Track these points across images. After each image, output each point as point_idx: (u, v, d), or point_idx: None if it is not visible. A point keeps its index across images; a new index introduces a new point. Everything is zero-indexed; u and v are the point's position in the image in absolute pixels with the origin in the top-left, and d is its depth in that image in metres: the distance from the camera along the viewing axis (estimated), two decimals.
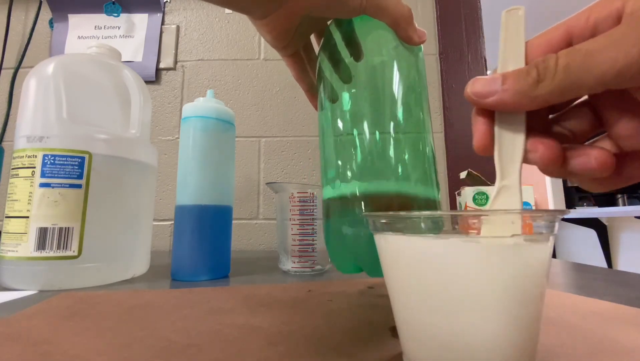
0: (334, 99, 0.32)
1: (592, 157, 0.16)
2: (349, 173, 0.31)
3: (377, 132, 0.30)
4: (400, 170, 0.29)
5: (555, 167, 0.17)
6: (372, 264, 0.30)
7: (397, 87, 0.31)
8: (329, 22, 0.34)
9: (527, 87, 0.15)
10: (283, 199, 0.48)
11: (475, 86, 0.17)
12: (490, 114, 0.18)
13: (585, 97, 0.19)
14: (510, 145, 0.17)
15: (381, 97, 0.31)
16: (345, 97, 0.32)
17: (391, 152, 0.30)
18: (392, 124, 0.30)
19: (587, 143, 0.19)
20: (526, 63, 0.17)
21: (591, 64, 0.14)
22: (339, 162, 0.31)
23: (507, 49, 0.18)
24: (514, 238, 0.15)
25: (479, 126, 0.18)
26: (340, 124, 0.32)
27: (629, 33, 0.14)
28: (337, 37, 0.33)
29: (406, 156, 0.30)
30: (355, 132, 0.31)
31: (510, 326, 0.14)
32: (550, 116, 0.19)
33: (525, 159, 0.17)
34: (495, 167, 0.17)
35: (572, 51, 0.15)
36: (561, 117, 0.19)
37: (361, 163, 0.30)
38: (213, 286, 0.38)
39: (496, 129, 0.17)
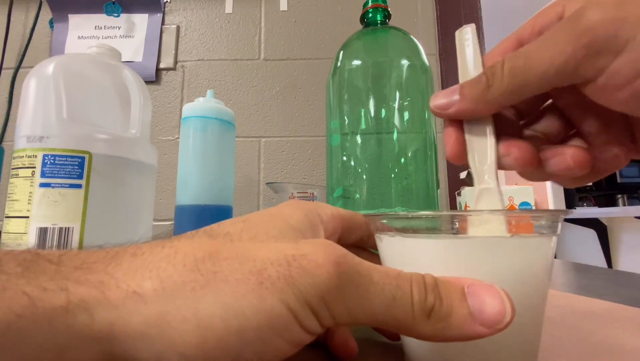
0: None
1: (568, 156, 0.17)
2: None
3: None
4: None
5: (531, 168, 0.17)
6: None
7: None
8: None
9: (480, 92, 0.16)
10: (283, 199, 0.48)
11: (437, 99, 0.18)
12: (459, 124, 0.18)
13: (550, 101, 0.20)
14: (482, 150, 0.18)
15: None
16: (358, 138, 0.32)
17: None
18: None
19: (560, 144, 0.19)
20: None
21: (532, 65, 0.15)
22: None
23: (464, 64, 0.19)
24: (515, 238, 0.15)
25: (450, 136, 0.19)
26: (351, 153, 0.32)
27: (562, 31, 0.14)
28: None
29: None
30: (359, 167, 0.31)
31: (512, 325, 0.14)
32: (522, 122, 0.20)
33: (501, 165, 0.18)
34: (472, 173, 0.18)
35: (515, 54, 0.16)
36: (532, 122, 0.20)
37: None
38: None
39: (467, 137, 0.18)
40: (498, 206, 0.17)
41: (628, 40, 0.13)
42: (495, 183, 0.17)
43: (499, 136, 0.18)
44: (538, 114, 0.20)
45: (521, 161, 0.17)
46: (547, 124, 0.19)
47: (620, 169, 0.18)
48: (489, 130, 0.18)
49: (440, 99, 0.18)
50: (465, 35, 0.20)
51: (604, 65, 0.14)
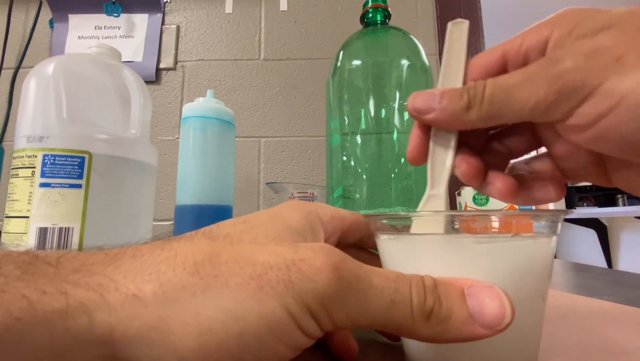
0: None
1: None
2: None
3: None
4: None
5: (472, 183, 0.19)
6: None
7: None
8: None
9: (459, 111, 0.17)
10: (283, 199, 0.48)
11: (416, 102, 0.18)
12: (428, 128, 0.19)
13: None
14: (441, 159, 0.19)
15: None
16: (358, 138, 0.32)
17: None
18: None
19: (527, 158, 0.20)
20: (464, 81, 0.19)
21: (510, 99, 0.16)
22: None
23: (449, 64, 0.19)
24: (515, 238, 0.15)
25: (415, 139, 0.19)
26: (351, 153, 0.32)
27: (539, 74, 0.15)
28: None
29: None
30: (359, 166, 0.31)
31: (512, 325, 0.14)
32: (491, 132, 0.21)
33: (452, 172, 0.19)
34: (427, 176, 0.19)
35: (496, 84, 0.17)
36: (501, 134, 0.20)
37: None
38: None
39: (431, 143, 0.19)
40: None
41: (594, 87, 0.14)
42: (445, 191, 0.19)
43: (460, 145, 0.19)
44: (509, 129, 0.20)
45: (466, 176, 0.18)
46: (516, 140, 0.20)
47: (552, 202, 0.20)
48: (453, 142, 0.19)
49: (419, 102, 0.18)
50: (459, 31, 0.20)
51: (571, 109, 0.15)
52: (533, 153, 0.21)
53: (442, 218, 0.16)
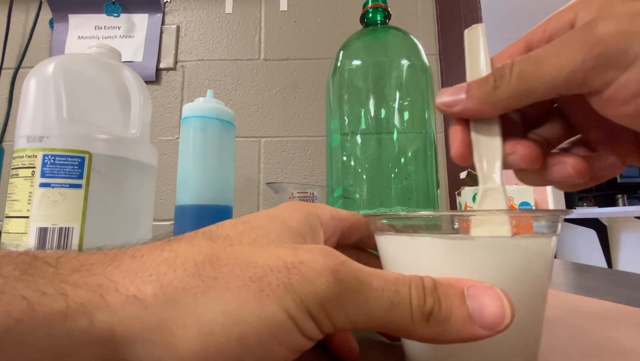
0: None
1: (569, 165, 0.17)
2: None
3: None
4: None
5: (536, 166, 0.17)
6: None
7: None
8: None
9: (486, 93, 0.16)
10: (283, 199, 0.48)
11: (443, 97, 0.18)
12: (466, 123, 0.18)
13: (556, 105, 0.20)
14: (488, 150, 0.18)
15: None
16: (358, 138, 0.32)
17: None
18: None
19: (561, 147, 0.19)
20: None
21: (541, 71, 0.15)
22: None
23: (472, 63, 0.19)
24: (515, 238, 0.15)
25: (455, 135, 0.18)
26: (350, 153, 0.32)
27: (574, 39, 0.14)
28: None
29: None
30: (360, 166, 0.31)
31: (512, 325, 0.14)
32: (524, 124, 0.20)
33: (506, 164, 0.18)
34: (477, 173, 0.18)
35: (525, 59, 0.16)
36: (534, 125, 0.19)
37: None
38: None
39: (473, 137, 0.18)
40: (502, 206, 0.17)
41: (638, 55, 0.13)
42: (501, 183, 0.17)
43: (504, 135, 0.18)
44: (541, 118, 0.19)
45: (527, 158, 0.17)
46: (550, 129, 0.19)
47: (616, 175, 0.18)
48: (496, 130, 0.17)
49: (446, 96, 0.18)
50: (476, 35, 0.20)
51: (612, 78, 0.14)
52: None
53: (504, 217, 0.15)
